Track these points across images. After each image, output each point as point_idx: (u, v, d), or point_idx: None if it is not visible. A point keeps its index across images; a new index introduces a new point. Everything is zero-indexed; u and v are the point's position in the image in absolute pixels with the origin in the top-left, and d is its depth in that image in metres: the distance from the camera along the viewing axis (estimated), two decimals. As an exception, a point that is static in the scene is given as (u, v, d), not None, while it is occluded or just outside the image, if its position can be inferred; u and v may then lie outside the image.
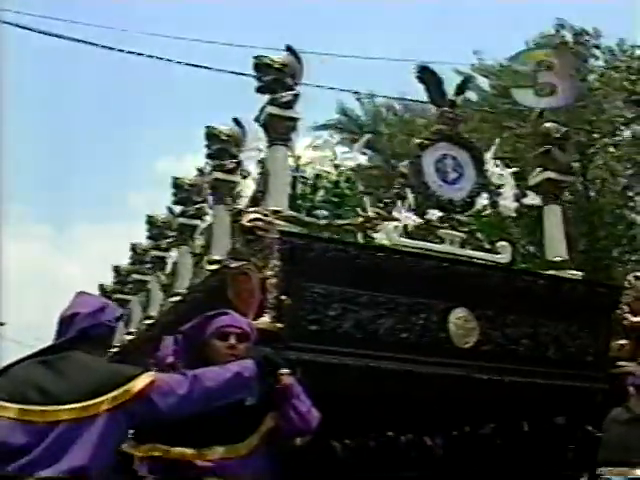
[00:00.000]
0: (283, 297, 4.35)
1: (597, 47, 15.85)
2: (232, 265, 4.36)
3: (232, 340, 3.37)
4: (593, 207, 14.62)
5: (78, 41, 7.80)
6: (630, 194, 14.52)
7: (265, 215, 4.46)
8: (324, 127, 18.36)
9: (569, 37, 15.50)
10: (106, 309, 3.09)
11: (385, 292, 4.95)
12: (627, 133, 13.66)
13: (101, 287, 10.93)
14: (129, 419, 2.86)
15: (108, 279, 10.83)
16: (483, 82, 15.77)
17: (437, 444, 8.05)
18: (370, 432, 8.08)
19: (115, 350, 8.13)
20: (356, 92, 16.38)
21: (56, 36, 7.68)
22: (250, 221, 4.36)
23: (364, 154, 6.29)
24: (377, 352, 4.79)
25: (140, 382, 2.85)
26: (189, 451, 3.14)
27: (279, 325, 4.27)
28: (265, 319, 4.22)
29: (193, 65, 8.04)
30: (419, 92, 6.10)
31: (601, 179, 14.51)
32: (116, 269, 10.59)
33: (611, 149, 14.36)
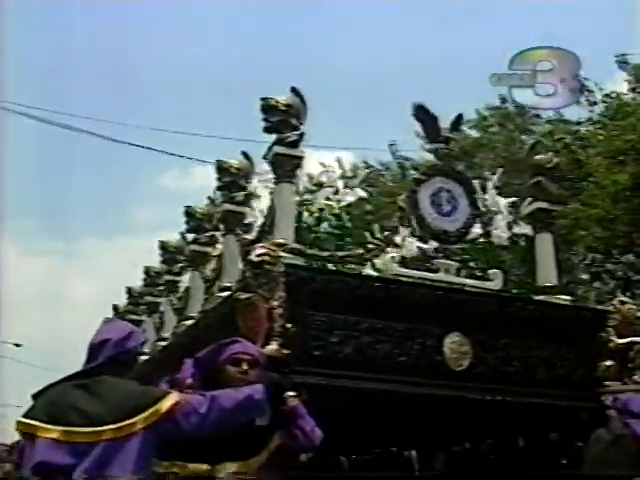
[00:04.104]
0: (289, 325, 4.63)
1: (537, 116, 17.04)
2: (241, 297, 4.69)
3: (244, 366, 3.63)
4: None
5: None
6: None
7: (272, 250, 4.80)
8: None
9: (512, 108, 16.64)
10: (133, 335, 3.28)
11: (383, 319, 5.23)
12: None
13: (115, 307, 11.26)
14: (157, 437, 3.03)
15: (119, 297, 11.15)
16: None
17: (439, 459, 8.33)
18: (375, 448, 8.35)
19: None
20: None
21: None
22: (258, 256, 4.70)
23: (365, 190, 6.57)
24: (376, 375, 5.07)
25: (167, 402, 3.04)
26: (204, 467, 3.40)
27: (285, 351, 4.52)
28: (272, 346, 4.48)
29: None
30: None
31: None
32: (129, 290, 10.89)
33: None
